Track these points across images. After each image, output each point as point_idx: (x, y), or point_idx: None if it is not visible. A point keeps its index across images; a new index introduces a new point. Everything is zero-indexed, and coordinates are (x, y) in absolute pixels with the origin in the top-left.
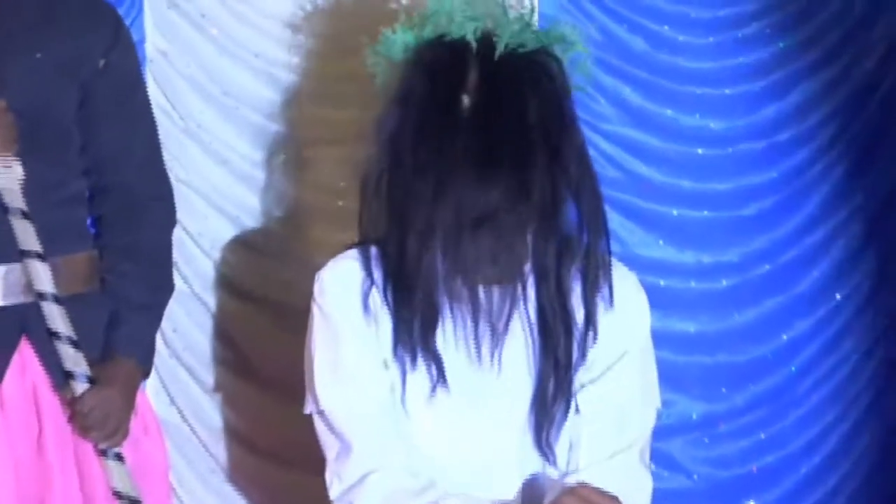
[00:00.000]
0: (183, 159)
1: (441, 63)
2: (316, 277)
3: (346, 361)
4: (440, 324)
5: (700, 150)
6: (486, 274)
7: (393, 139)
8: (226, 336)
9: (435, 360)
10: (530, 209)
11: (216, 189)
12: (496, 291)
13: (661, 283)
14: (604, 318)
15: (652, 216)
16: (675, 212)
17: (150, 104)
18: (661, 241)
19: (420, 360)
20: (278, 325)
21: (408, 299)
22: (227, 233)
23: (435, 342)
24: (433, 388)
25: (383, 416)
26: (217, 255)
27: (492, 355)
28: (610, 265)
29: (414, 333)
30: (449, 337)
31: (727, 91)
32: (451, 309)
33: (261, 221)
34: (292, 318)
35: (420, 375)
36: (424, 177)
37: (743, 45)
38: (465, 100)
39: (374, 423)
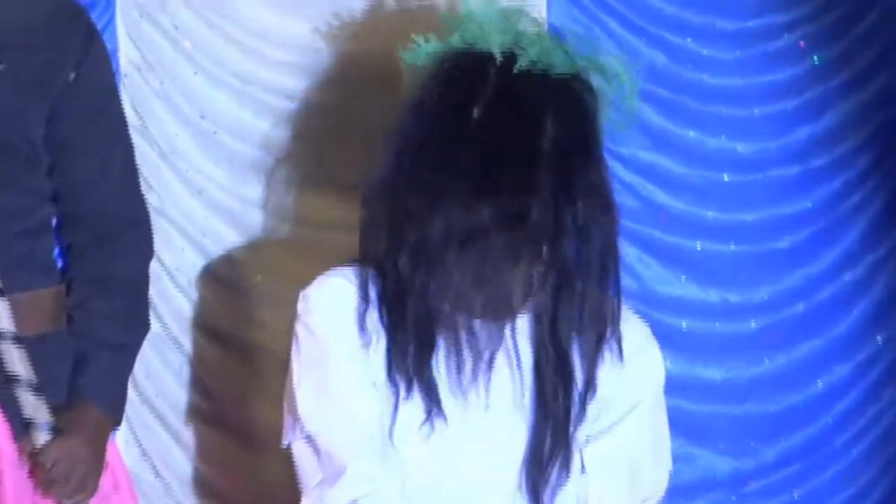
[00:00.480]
0: (158, 186)
1: (459, 71)
2: (301, 296)
3: (335, 381)
4: (435, 351)
5: (726, 177)
6: (471, 302)
7: (399, 149)
8: (200, 382)
9: (429, 387)
10: (523, 236)
11: (192, 220)
12: (485, 325)
13: (683, 324)
14: (611, 372)
15: (672, 250)
16: (698, 245)
17: (125, 121)
18: (682, 278)
19: (416, 387)
20: (255, 372)
21: (402, 322)
22: (204, 269)
23: (430, 369)
24: (427, 417)
25: (375, 440)
26: (194, 293)
27: (478, 391)
28: (618, 315)
29: (409, 358)
30: (441, 365)
31: (756, 111)
32: (444, 336)
33: (239, 258)
34: (271, 364)
35: (414, 403)
36: (421, 190)
37: (773, 60)
38: (476, 112)
39: (366, 447)
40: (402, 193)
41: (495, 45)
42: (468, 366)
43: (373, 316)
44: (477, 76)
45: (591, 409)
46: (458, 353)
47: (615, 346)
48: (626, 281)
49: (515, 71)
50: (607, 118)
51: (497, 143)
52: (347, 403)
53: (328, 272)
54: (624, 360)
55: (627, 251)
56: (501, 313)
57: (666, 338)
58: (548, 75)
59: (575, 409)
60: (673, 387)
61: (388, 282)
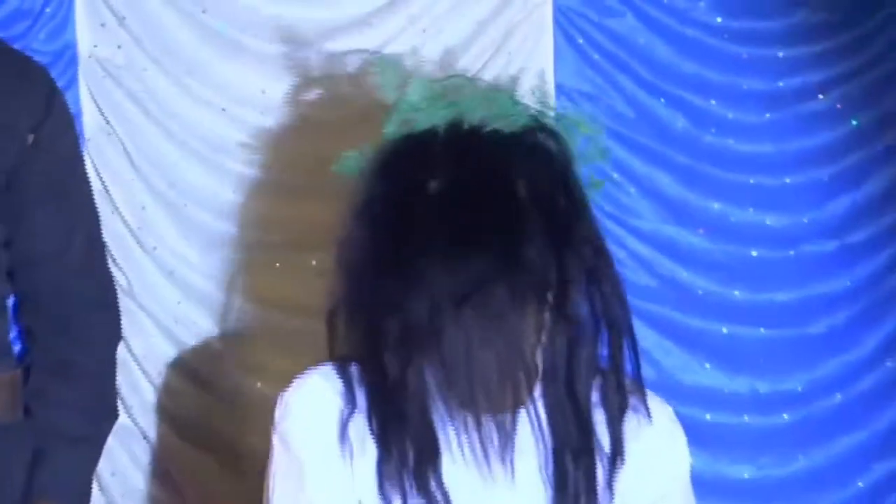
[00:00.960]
0: (125, 264)
1: (400, 156)
2: (278, 400)
3: (311, 500)
4: (440, 457)
5: (754, 252)
6: (483, 368)
7: (354, 252)
8: (171, 482)
9: (440, 495)
10: (525, 279)
11: (163, 304)
12: (498, 389)
13: (708, 417)
14: (635, 443)
15: (695, 334)
16: (724, 329)
17: (91, 191)
18: (707, 365)
19: (415, 500)
20: (231, 474)
21: (399, 428)
22: (176, 360)
23: (439, 476)
24: None
25: None
26: (165, 384)
27: (503, 465)
28: (640, 377)
29: (408, 468)
30: (456, 456)
31: (788, 180)
32: (453, 422)
33: (215, 349)
34: (249, 466)
35: None
36: (391, 278)
37: (807, 124)
38: (433, 185)
39: None
40: (373, 287)
41: (437, 119)
42: (492, 442)
43: (358, 422)
44: (423, 152)
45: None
46: (479, 430)
47: (642, 408)
48: (644, 369)
49: (463, 132)
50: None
51: (466, 205)
52: None
53: (308, 371)
54: (644, 447)
55: (645, 335)
56: (515, 375)
57: (688, 432)
58: (498, 130)
59: (602, 478)
60: (696, 486)
61: (373, 383)
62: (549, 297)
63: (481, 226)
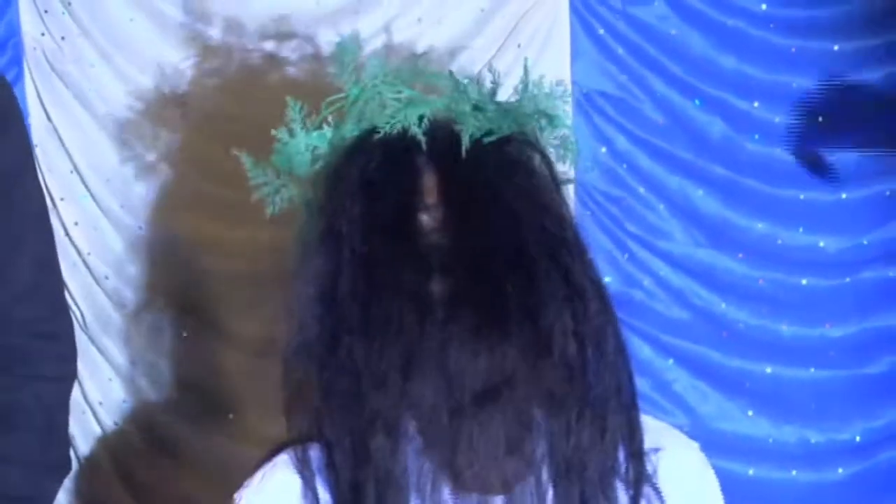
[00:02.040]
0: (78, 294)
1: (377, 172)
2: (235, 498)
3: None
4: None
5: (804, 281)
6: (493, 473)
7: (325, 300)
8: None
9: None
10: (550, 369)
11: (116, 341)
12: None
13: (751, 472)
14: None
15: (736, 376)
16: (768, 369)
17: (44, 204)
18: (749, 412)
19: None
20: None
21: None
22: (135, 410)
23: None
24: None
25: None
26: (122, 436)
27: None
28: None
29: None
30: None
31: (844, 196)
32: None
33: (175, 397)
34: None
35: None
36: (386, 347)
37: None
38: (424, 220)
39: None
40: (357, 355)
41: (413, 122)
42: None
43: None
44: (404, 171)
45: None
46: None
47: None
48: (677, 416)
49: (448, 148)
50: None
51: (472, 253)
52: None
53: (266, 466)
54: (670, 491)
55: (677, 377)
56: (524, 477)
57: (728, 489)
58: (490, 144)
59: None
60: None
61: (345, 472)
62: (570, 376)
63: (505, 294)
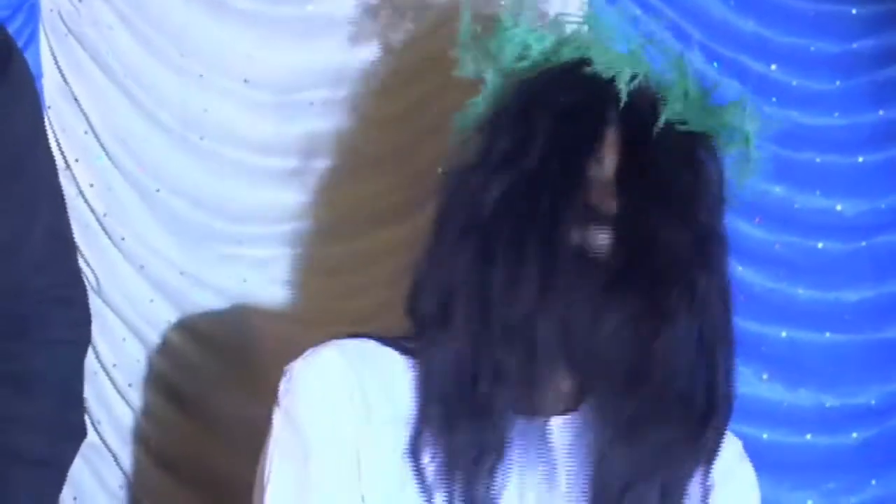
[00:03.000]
0: (91, 256)
1: (576, 99)
2: (284, 372)
3: (318, 487)
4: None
5: (821, 244)
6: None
7: (497, 195)
8: None
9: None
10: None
11: (134, 303)
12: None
13: (765, 436)
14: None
15: (751, 339)
16: (783, 333)
17: (55, 171)
18: (764, 376)
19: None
20: (208, 499)
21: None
22: (148, 367)
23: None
24: None
25: None
26: (136, 397)
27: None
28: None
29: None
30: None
31: (861, 159)
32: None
33: (192, 358)
34: (233, 495)
35: None
36: (539, 276)
37: (885, 93)
38: (593, 170)
39: None
40: (509, 264)
41: (623, 78)
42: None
43: (380, 405)
44: (597, 114)
45: None
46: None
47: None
48: None
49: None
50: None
51: (634, 234)
52: None
53: (326, 346)
54: (714, 485)
55: None
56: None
57: None
58: (682, 134)
59: None
60: None
61: (451, 373)
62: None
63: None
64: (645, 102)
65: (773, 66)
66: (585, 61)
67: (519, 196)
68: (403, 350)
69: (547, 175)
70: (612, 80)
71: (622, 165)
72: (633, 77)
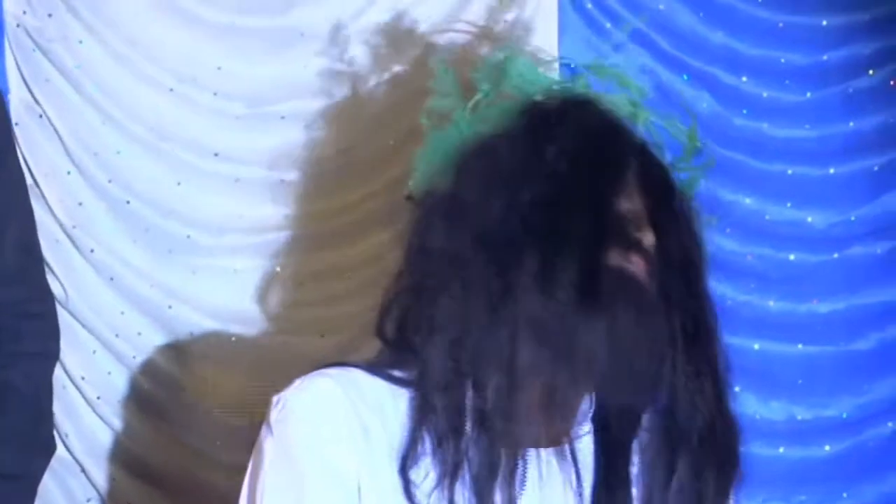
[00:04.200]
0: (60, 269)
1: (601, 143)
2: (274, 401)
3: None
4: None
5: (792, 256)
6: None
7: (489, 223)
8: None
9: None
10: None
11: (103, 315)
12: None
13: None
14: None
15: None
16: (756, 345)
17: (24, 186)
18: (736, 388)
19: None
20: None
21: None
22: (119, 379)
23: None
24: None
25: None
26: (106, 410)
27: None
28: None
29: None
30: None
31: (832, 170)
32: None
33: (164, 367)
34: (197, 501)
35: None
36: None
37: (855, 105)
38: (622, 204)
39: None
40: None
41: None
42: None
43: (376, 434)
44: (621, 156)
45: None
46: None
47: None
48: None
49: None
50: None
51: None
52: None
53: (320, 375)
54: None
55: None
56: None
57: None
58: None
59: None
60: None
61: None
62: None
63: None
64: (653, 147)
65: (744, 78)
66: (596, 101)
67: (548, 221)
68: (391, 379)
69: (581, 203)
70: (624, 124)
71: (650, 202)
72: (648, 122)
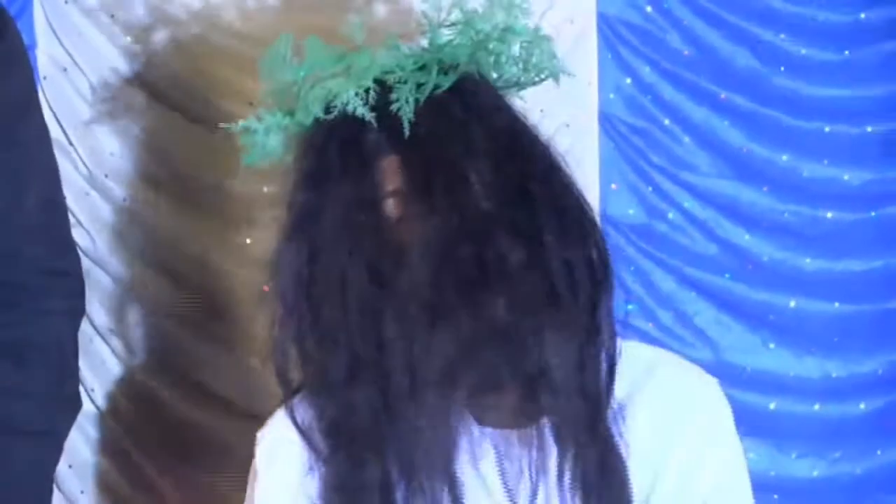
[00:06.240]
0: (87, 222)
1: (332, 168)
2: (258, 438)
3: None
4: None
5: (829, 214)
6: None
7: (301, 291)
8: (142, 477)
9: None
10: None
11: (131, 265)
12: (514, 437)
13: (772, 405)
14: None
15: (758, 309)
16: (791, 302)
17: (48, 141)
18: (771, 345)
19: None
20: (212, 467)
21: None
22: (150, 330)
23: None
24: None
25: None
26: (132, 359)
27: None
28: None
29: None
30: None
31: (869, 129)
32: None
33: (198, 318)
34: (231, 456)
35: None
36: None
37: (893, 64)
38: (390, 206)
39: None
40: (359, 326)
41: (353, 103)
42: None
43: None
44: (358, 162)
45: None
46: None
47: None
48: (699, 349)
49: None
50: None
51: (448, 230)
52: None
53: (267, 422)
54: (676, 417)
55: (700, 309)
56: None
57: (749, 421)
58: (432, 100)
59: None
60: (758, 485)
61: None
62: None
63: (494, 265)
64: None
65: (782, 36)
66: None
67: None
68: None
69: (339, 254)
70: (350, 115)
71: (409, 179)
72: (367, 90)
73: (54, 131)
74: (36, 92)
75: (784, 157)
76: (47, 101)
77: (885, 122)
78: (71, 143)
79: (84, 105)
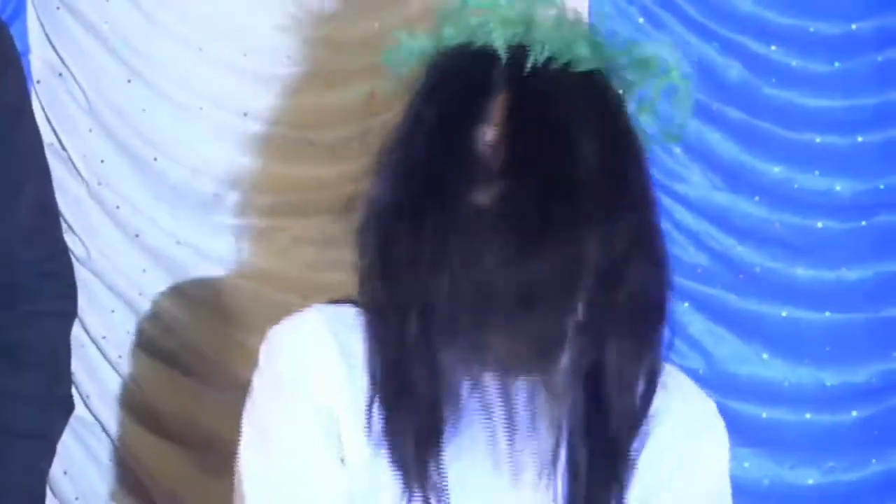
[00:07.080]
0: (80, 228)
1: (455, 80)
2: (266, 337)
3: (293, 451)
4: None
5: (820, 224)
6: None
7: (392, 183)
8: (134, 483)
9: (433, 490)
10: (582, 284)
11: (125, 274)
12: (522, 385)
13: (764, 414)
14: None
15: (751, 319)
16: (783, 312)
17: (40, 145)
18: (764, 355)
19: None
20: (205, 469)
21: (402, 404)
22: (140, 337)
23: (435, 466)
24: None
25: None
26: (126, 367)
27: (510, 463)
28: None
29: (406, 452)
30: (464, 442)
31: (860, 139)
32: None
33: (186, 325)
34: (224, 461)
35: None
36: (432, 239)
37: (884, 74)
38: (486, 133)
39: None
40: (408, 240)
41: (500, 40)
42: (501, 437)
43: (355, 368)
44: (479, 84)
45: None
46: (491, 423)
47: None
48: (692, 359)
49: (527, 71)
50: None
51: (523, 170)
52: (304, 485)
53: (307, 309)
54: (680, 447)
55: (692, 320)
56: (545, 372)
57: (742, 431)
58: (568, 72)
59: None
60: (752, 494)
61: (386, 346)
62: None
63: (547, 213)
64: (525, 56)
65: (773, 47)
66: (466, 43)
67: (408, 174)
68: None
69: (433, 149)
70: (486, 49)
71: (509, 119)
72: (514, 35)
73: (47, 136)
74: (29, 96)
75: (776, 168)
76: (41, 105)
77: (876, 133)
78: (64, 149)
79: (78, 110)
